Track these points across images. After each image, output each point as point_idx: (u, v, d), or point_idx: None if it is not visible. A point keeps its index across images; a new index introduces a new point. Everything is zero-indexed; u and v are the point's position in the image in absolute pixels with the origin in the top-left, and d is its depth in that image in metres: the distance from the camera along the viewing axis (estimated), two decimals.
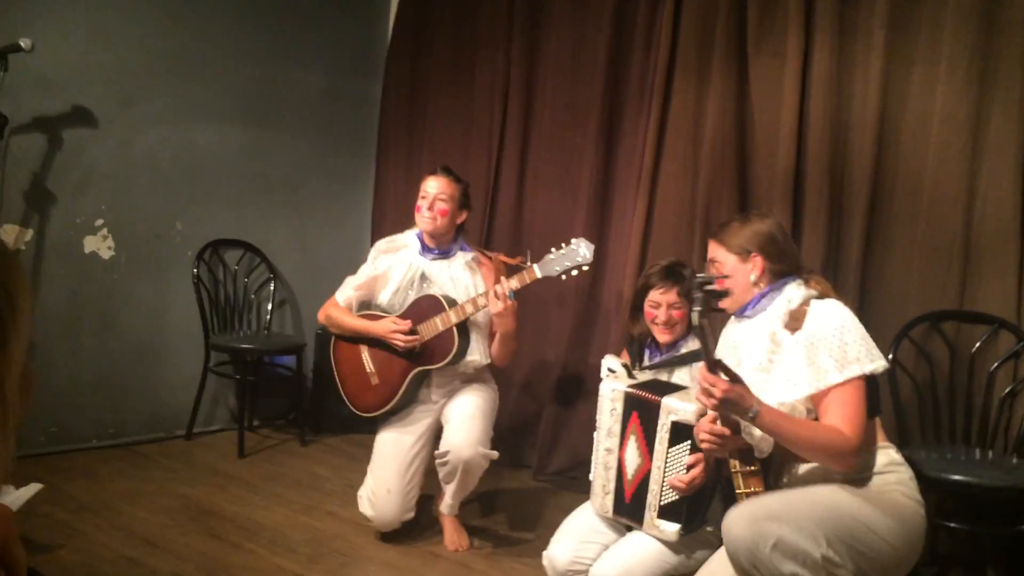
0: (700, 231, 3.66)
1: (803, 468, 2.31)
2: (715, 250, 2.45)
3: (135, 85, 4.15)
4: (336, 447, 4.44)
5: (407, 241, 3.36)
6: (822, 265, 3.36)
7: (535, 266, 2.98)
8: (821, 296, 2.31)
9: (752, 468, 2.31)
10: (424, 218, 3.24)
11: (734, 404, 2.10)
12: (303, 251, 4.94)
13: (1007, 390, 3.02)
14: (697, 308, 2.06)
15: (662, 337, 3.01)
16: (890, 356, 3.12)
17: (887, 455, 2.25)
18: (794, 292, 2.34)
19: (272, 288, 4.70)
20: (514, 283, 2.99)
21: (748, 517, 2.04)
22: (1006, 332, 3.03)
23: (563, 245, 2.99)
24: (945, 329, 3.16)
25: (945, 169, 3.16)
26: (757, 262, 2.36)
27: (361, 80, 5.12)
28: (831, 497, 2.13)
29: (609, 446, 2.87)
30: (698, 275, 2.23)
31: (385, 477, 3.19)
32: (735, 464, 2.33)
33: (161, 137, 4.28)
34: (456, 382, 3.30)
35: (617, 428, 2.85)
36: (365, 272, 3.36)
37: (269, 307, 4.70)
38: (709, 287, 2.10)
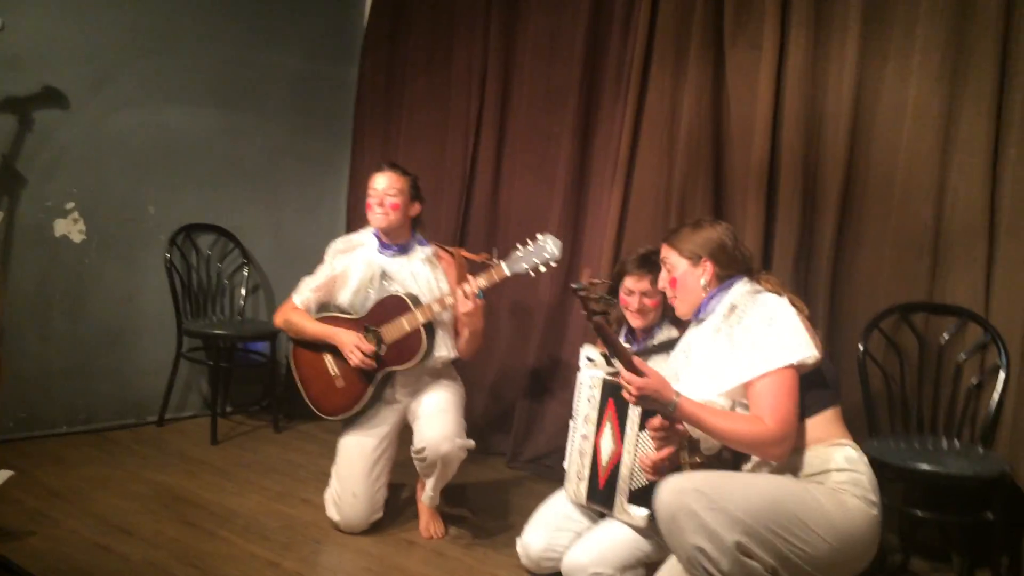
0: (675, 220, 3.68)
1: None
2: (667, 253, 2.51)
3: (107, 66, 4.09)
4: (310, 434, 4.42)
5: (363, 240, 3.34)
6: (795, 256, 3.40)
7: (503, 264, 2.97)
8: (767, 294, 2.36)
9: (698, 460, 2.39)
10: (376, 215, 3.21)
11: (652, 399, 2.21)
12: (277, 236, 4.91)
13: (974, 381, 3.07)
14: (584, 312, 2.24)
15: (634, 323, 3.04)
16: (860, 347, 3.16)
17: (844, 453, 2.23)
18: (739, 290, 2.40)
19: (245, 274, 4.67)
20: (482, 281, 2.99)
21: (678, 487, 2.07)
22: (974, 324, 3.07)
23: (529, 241, 2.98)
24: (914, 321, 3.20)
25: (917, 162, 3.20)
26: (707, 267, 2.43)
27: (337, 64, 5.08)
28: (771, 486, 2.13)
29: (586, 433, 2.90)
30: (572, 284, 2.31)
31: (350, 481, 3.18)
32: (683, 456, 2.41)
33: (134, 119, 4.22)
34: (422, 379, 3.27)
35: (594, 415, 2.89)
36: (323, 273, 3.32)
37: (243, 292, 4.66)
38: (580, 292, 2.22)
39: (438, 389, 3.26)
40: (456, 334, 3.26)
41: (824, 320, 3.36)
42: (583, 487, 2.90)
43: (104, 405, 4.24)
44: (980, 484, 2.75)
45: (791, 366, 2.19)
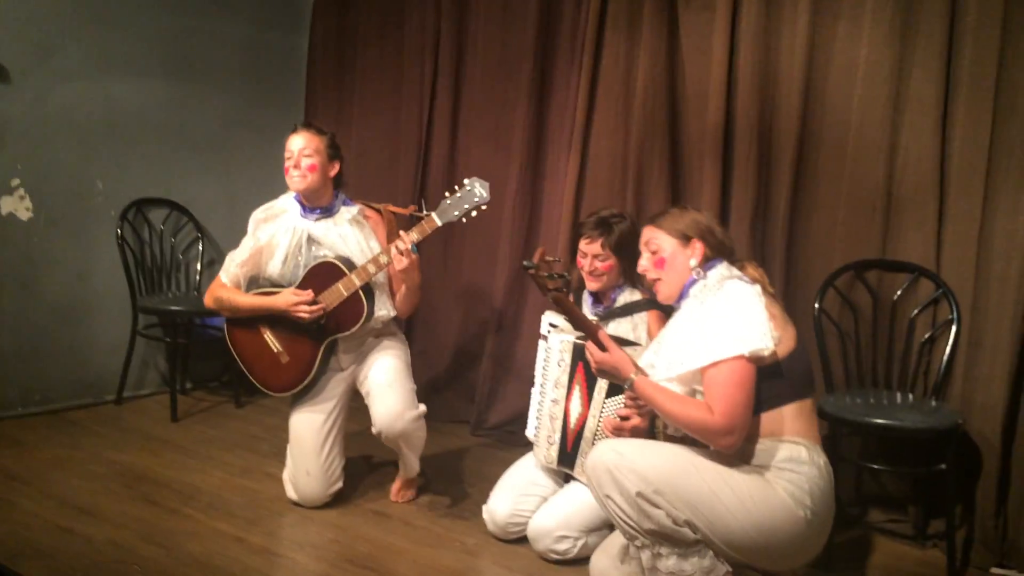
0: (633, 185, 3.69)
1: None
2: (653, 234, 2.45)
3: (49, 36, 3.98)
4: (272, 407, 4.39)
5: (286, 206, 3.21)
6: (751, 217, 3.43)
7: (433, 214, 2.90)
8: (739, 279, 2.32)
9: (671, 433, 2.42)
10: (293, 178, 3.10)
11: (610, 373, 2.34)
12: (231, 209, 4.82)
13: (926, 336, 3.14)
14: (540, 289, 2.33)
15: (590, 285, 3.07)
16: (816, 305, 3.22)
17: (790, 451, 2.23)
18: (715, 274, 2.37)
19: (200, 248, 4.60)
20: (415, 235, 2.93)
21: (602, 448, 2.28)
22: (926, 280, 3.14)
23: (457, 188, 2.94)
24: (868, 278, 3.26)
25: (869, 122, 3.24)
26: (698, 247, 2.39)
27: (287, 32, 4.98)
28: (689, 458, 2.23)
29: (556, 397, 2.92)
30: (523, 262, 2.34)
31: (302, 459, 3.15)
32: (659, 425, 2.45)
33: (78, 91, 4.11)
34: (366, 341, 3.22)
35: (565, 379, 2.91)
36: (247, 245, 3.17)
37: (198, 267, 4.60)
38: (530, 270, 2.31)
39: (382, 354, 3.19)
40: (392, 292, 3.20)
41: (780, 280, 3.40)
42: (554, 451, 2.93)
43: (60, 385, 4.17)
44: (934, 436, 2.82)
45: (742, 357, 2.15)
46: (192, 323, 4.54)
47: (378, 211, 3.23)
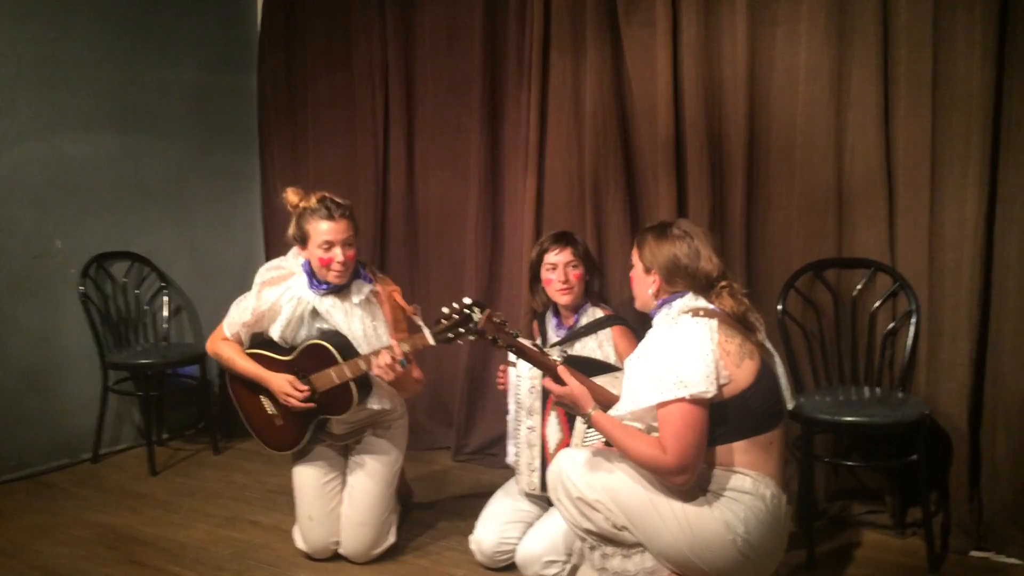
0: (591, 203, 3.73)
1: None
2: (634, 250, 2.50)
3: None
4: (251, 451, 4.38)
5: (294, 269, 3.10)
6: (708, 225, 3.46)
7: (428, 333, 2.78)
8: (696, 313, 2.31)
9: None
10: (333, 270, 2.97)
11: (571, 405, 2.44)
12: (193, 256, 4.81)
13: (888, 328, 3.21)
14: (494, 346, 2.53)
15: (563, 299, 3.09)
16: (779, 307, 3.27)
17: (738, 481, 2.26)
18: (676, 307, 2.38)
19: (165, 297, 4.58)
20: (406, 347, 2.86)
21: (567, 453, 2.46)
22: (883, 274, 3.20)
23: (456, 308, 2.75)
24: (827, 277, 3.32)
25: (814, 124, 3.30)
26: (655, 281, 2.41)
27: (235, 72, 4.97)
28: (637, 472, 2.31)
29: (531, 424, 2.94)
30: (469, 325, 2.59)
31: (304, 504, 3.14)
32: None
33: (28, 151, 4.08)
34: (356, 423, 3.18)
35: (538, 405, 2.93)
36: (250, 307, 3.10)
37: (165, 316, 4.58)
38: (473, 334, 2.56)
39: (368, 470, 3.15)
40: None
41: (742, 285, 3.43)
42: (536, 477, 2.95)
43: (34, 449, 4.13)
44: (903, 428, 2.89)
45: (684, 400, 2.17)
46: (163, 374, 4.51)
47: (389, 293, 3.15)
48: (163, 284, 4.58)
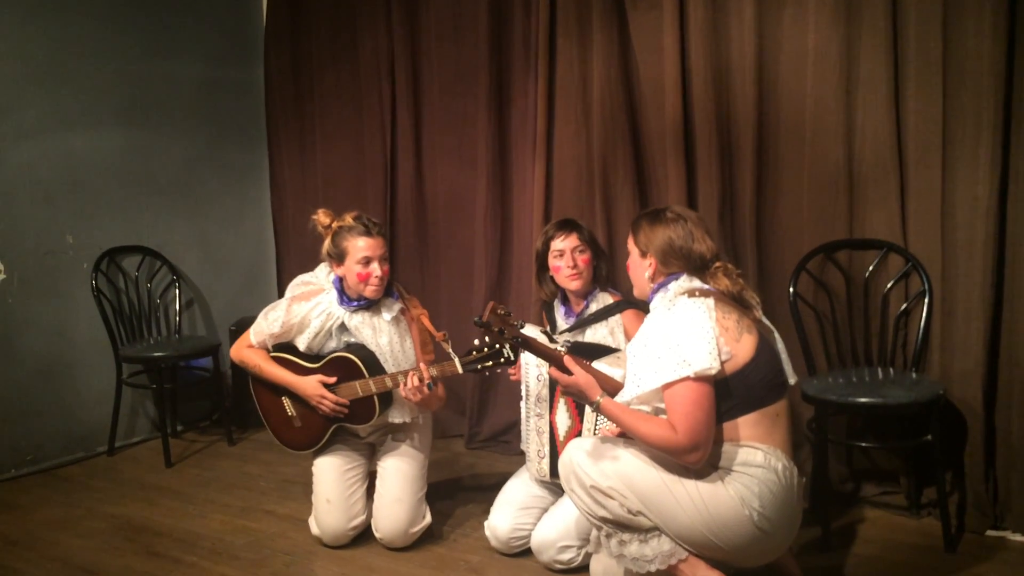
0: (600, 189, 3.72)
1: None
2: (629, 237, 2.55)
3: (3, 97, 3.96)
4: (266, 442, 4.39)
5: (324, 284, 3.17)
6: (719, 210, 3.47)
7: (457, 361, 2.83)
8: (692, 294, 2.34)
9: None
10: (371, 286, 3.02)
11: (577, 394, 2.42)
12: (204, 249, 4.83)
13: (901, 309, 3.20)
14: (500, 338, 2.49)
15: (573, 284, 3.09)
16: (791, 290, 3.26)
17: (748, 455, 2.29)
18: (676, 286, 2.41)
19: (177, 291, 4.60)
20: (434, 372, 2.92)
21: (573, 446, 2.44)
22: (895, 255, 3.19)
23: (487, 341, 2.82)
24: (839, 258, 3.31)
25: (823, 106, 3.28)
26: (652, 263, 2.45)
27: (241, 67, 4.98)
28: (649, 455, 2.33)
29: (540, 412, 2.95)
30: (474, 320, 2.47)
31: (323, 488, 3.15)
32: None
33: (38, 149, 4.10)
34: (381, 428, 3.22)
35: (546, 393, 2.94)
36: (279, 319, 3.14)
37: (177, 310, 4.59)
38: (480, 325, 2.44)
39: (400, 453, 3.19)
40: None
41: (753, 268, 3.45)
42: (545, 464, 2.96)
43: (50, 443, 4.16)
44: (917, 409, 2.88)
45: (688, 378, 2.20)
46: (177, 367, 4.54)
47: (416, 313, 3.19)
48: (174, 277, 4.60)
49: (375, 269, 3.01)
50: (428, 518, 3.18)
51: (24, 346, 4.07)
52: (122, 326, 4.34)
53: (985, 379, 3.05)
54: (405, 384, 2.92)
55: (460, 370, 2.84)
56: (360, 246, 3.01)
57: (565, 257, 3.08)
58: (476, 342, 2.81)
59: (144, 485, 3.87)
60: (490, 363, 2.80)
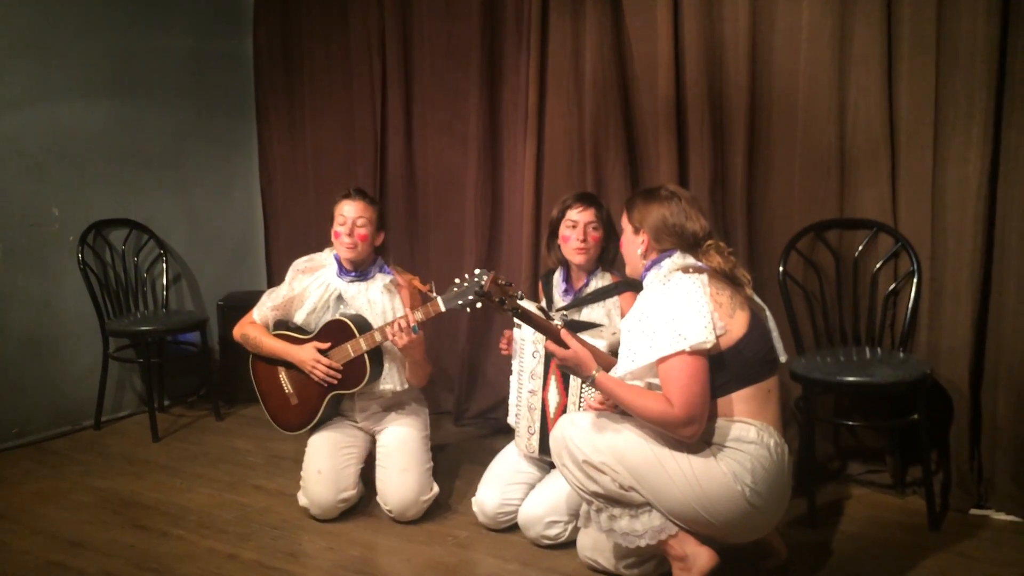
0: (591, 166, 3.71)
1: None
2: (623, 218, 2.56)
3: None
4: (253, 417, 4.39)
5: (325, 261, 3.30)
6: (710, 187, 3.47)
7: (439, 299, 2.91)
8: (686, 271, 2.35)
9: None
10: (343, 244, 3.17)
11: (573, 368, 2.41)
12: (191, 223, 4.80)
13: (889, 289, 3.20)
14: (499, 310, 2.49)
15: (577, 258, 3.07)
16: (780, 268, 3.27)
17: (741, 430, 2.31)
18: (669, 263, 2.42)
19: (164, 265, 4.57)
20: (419, 315, 2.97)
21: (565, 421, 2.47)
22: (884, 235, 3.19)
23: (467, 277, 2.83)
24: (828, 238, 3.31)
25: (816, 84, 3.27)
26: (644, 239, 2.47)
27: (229, 39, 4.93)
28: (642, 431, 2.34)
29: (533, 388, 2.95)
30: (475, 291, 2.54)
31: (314, 459, 3.16)
32: None
33: (23, 120, 4.05)
34: (375, 406, 3.28)
35: (540, 369, 2.94)
36: (283, 293, 3.29)
37: (164, 283, 4.57)
38: (482, 296, 2.52)
39: (400, 425, 3.26)
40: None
41: (744, 246, 3.45)
42: (535, 441, 2.96)
43: (37, 416, 4.14)
44: (904, 388, 2.89)
45: (684, 352, 2.21)
46: (164, 341, 4.52)
47: (408, 281, 3.27)
48: (162, 251, 4.57)
49: (347, 228, 3.16)
50: (436, 488, 3.20)
51: (10, 319, 4.04)
52: (109, 300, 4.31)
53: (972, 359, 3.07)
54: (392, 330, 2.99)
55: (442, 307, 2.91)
56: (341, 208, 3.21)
57: (577, 229, 3.06)
58: (456, 280, 2.86)
59: (131, 459, 3.86)
60: (470, 296, 2.80)
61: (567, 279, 3.18)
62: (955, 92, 3.03)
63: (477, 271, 2.75)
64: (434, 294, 2.96)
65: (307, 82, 4.75)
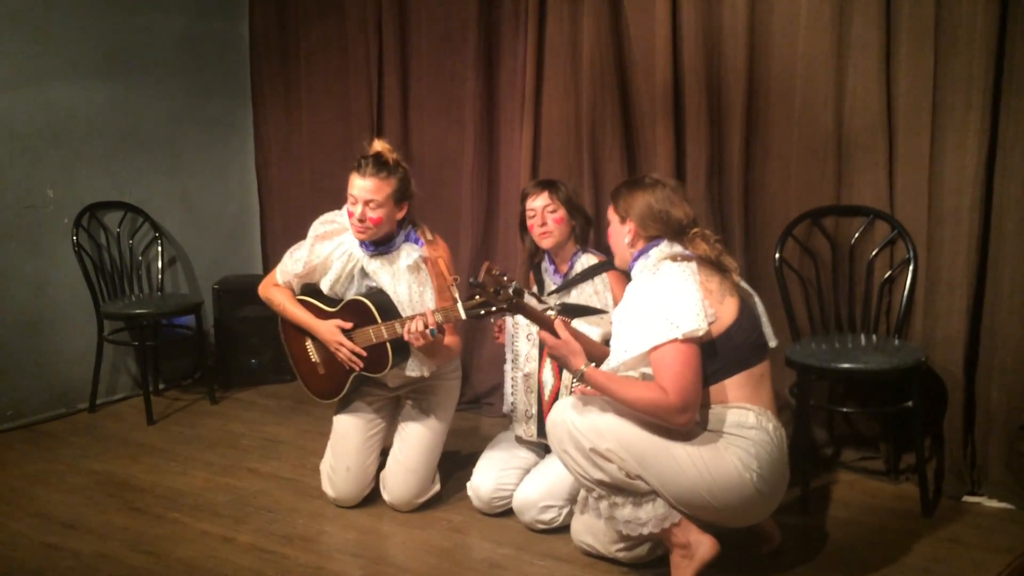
0: (588, 151, 3.70)
1: None
2: (609, 210, 2.57)
3: None
4: (248, 401, 4.40)
5: (346, 225, 3.01)
6: (706, 172, 3.46)
7: (460, 306, 2.64)
8: (674, 259, 2.37)
9: None
10: (354, 225, 2.91)
11: (563, 360, 2.42)
12: (187, 205, 4.78)
13: (885, 276, 3.20)
14: (494, 301, 2.46)
15: (544, 243, 3.12)
16: (776, 255, 3.26)
17: (740, 416, 2.32)
18: (654, 255, 2.43)
19: (159, 248, 4.55)
20: (438, 317, 2.76)
21: (562, 405, 2.44)
22: (881, 222, 3.19)
23: (490, 277, 2.69)
24: (825, 224, 3.30)
25: (814, 70, 3.26)
26: (631, 228, 2.48)
27: (225, 19, 4.89)
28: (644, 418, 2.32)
29: (529, 371, 2.96)
30: (470, 280, 2.48)
31: (345, 455, 3.12)
32: None
33: (17, 100, 4.02)
34: (404, 379, 3.11)
35: (535, 353, 2.95)
36: (303, 259, 3.06)
37: (159, 266, 4.55)
38: (474, 287, 2.47)
39: (425, 418, 3.15)
40: None
41: (740, 232, 3.44)
42: (533, 425, 2.97)
43: (31, 398, 4.13)
44: (898, 375, 2.89)
45: (676, 340, 2.22)
46: (159, 324, 4.51)
47: (437, 257, 3.05)
48: (156, 234, 4.55)
49: (359, 213, 2.87)
50: (437, 486, 3.17)
51: (4, 301, 4.03)
52: (103, 282, 4.30)
53: (967, 346, 3.07)
54: (410, 331, 2.76)
55: (463, 316, 2.65)
56: (352, 182, 2.90)
57: (536, 216, 3.10)
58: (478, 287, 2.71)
59: (126, 442, 3.86)
60: (493, 308, 2.72)
61: (553, 264, 3.20)
62: (953, 78, 3.01)
63: (505, 278, 2.55)
64: (455, 290, 2.71)
65: (303, 64, 4.72)
